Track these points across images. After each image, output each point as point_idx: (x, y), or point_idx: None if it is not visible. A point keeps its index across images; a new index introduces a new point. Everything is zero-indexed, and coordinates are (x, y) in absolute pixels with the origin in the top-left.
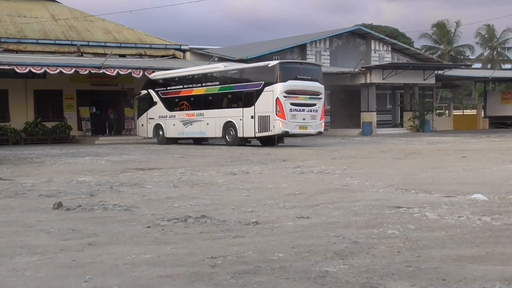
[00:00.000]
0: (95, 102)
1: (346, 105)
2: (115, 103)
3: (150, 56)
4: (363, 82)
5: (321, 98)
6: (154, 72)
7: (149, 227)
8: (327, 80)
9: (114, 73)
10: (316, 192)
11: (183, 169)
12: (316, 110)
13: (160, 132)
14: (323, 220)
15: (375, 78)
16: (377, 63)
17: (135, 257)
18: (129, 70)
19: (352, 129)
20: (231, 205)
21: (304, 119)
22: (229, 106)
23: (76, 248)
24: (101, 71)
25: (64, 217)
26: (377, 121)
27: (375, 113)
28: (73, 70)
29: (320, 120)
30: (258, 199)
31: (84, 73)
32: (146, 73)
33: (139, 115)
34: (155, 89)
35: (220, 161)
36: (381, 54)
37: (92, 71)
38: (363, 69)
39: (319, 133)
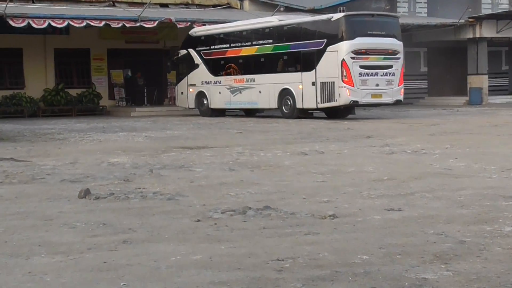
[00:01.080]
0: (130, 64)
1: (448, 67)
2: (155, 64)
3: (199, 6)
4: (471, 36)
5: (399, 58)
6: (204, 25)
7: (198, 220)
8: (423, 35)
9: (155, 24)
10: (410, 177)
11: (240, 147)
12: (393, 73)
13: (204, 102)
14: (419, 213)
15: (486, 32)
16: (490, 12)
17: (181, 258)
18: (173, 21)
19: (456, 97)
20: (301, 193)
21: (377, 85)
22: (285, 69)
23: (107, 247)
24: (137, 24)
25: (93, 208)
26: (489, 86)
27: (487, 76)
28: (103, 23)
29: (399, 85)
30: (336, 186)
31: (116, 26)
32: (194, 26)
33: (178, 80)
34: (197, 49)
35: (287, 137)
36: (495, 0)
37: (127, 25)
38: (470, 19)
39: (398, 102)
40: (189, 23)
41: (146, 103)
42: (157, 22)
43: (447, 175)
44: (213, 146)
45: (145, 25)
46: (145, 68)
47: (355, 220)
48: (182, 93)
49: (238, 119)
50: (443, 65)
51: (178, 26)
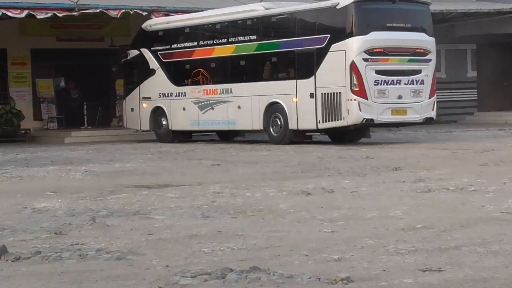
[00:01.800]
0: (64, 71)
1: (505, 70)
2: (99, 71)
3: None
4: None
5: (430, 60)
6: (169, 16)
7: None
8: (471, 26)
9: (97, 11)
10: (453, 224)
11: (218, 185)
12: (421, 80)
13: (163, 121)
14: (467, 275)
15: None
16: None
17: None
18: (122, 10)
19: None
20: (303, 248)
21: (400, 97)
22: (273, 77)
23: None
24: (74, 14)
25: (11, 273)
26: None
27: None
28: (26, 12)
29: (430, 97)
30: (351, 237)
31: (45, 17)
32: (153, 17)
33: (127, 92)
34: (153, 48)
35: (283, 170)
36: None
37: (59, 15)
38: None
39: (429, 121)
40: (146, 12)
41: (86, 125)
42: (99, 9)
43: (506, 221)
44: (180, 183)
45: (86, 12)
46: (85, 76)
47: (378, 285)
48: (132, 109)
49: (213, 146)
50: (498, 68)
51: (131, 12)
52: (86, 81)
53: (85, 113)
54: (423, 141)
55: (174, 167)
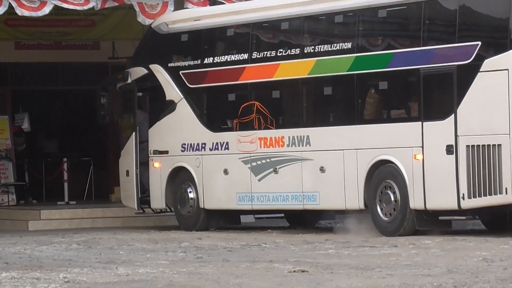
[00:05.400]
0: (29, 102)
1: None
2: (93, 102)
3: None
4: None
5: None
6: (210, 2)
7: None
8: None
9: (87, 6)
10: None
11: None
12: None
13: (190, 194)
14: None
15: None
16: None
17: None
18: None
19: None
20: None
21: None
22: (381, 116)
23: None
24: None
25: None
26: None
27: None
28: None
29: None
30: None
31: None
32: (189, 5)
33: (124, 142)
34: (171, 65)
35: (421, 283)
36: None
37: (22, 10)
38: None
39: None
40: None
41: (67, 200)
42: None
43: None
44: None
45: (65, 5)
46: (65, 113)
47: None
48: (128, 172)
49: (292, 237)
50: None
51: (143, 13)
52: (67, 121)
53: (65, 177)
54: None
55: (224, 275)
